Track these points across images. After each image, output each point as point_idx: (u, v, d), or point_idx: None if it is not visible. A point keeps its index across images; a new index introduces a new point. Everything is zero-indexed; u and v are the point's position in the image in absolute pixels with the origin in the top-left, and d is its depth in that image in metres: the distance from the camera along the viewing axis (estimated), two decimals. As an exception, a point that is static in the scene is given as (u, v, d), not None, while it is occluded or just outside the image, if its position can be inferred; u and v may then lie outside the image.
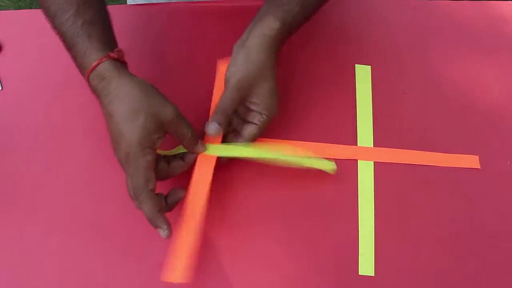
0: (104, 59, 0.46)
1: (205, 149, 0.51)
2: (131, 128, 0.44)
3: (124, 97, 0.45)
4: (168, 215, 0.47)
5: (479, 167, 0.57)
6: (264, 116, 0.51)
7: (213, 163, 0.51)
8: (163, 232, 0.45)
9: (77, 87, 0.61)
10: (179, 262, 0.46)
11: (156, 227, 0.45)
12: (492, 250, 0.53)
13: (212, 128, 0.49)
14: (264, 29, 0.50)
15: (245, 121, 0.52)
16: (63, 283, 0.50)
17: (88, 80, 0.47)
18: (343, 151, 0.58)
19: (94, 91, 0.47)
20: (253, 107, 0.51)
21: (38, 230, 0.53)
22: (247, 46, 0.50)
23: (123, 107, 0.44)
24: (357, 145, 0.59)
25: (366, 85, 0.63)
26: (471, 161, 0.58)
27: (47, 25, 0.51)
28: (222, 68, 0.56)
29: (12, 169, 0.56)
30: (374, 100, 0.61)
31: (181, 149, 0.52)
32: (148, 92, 0.46)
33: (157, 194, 0.46)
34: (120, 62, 0.48)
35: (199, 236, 0.48)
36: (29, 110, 0.60)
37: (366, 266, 0.51)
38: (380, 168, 0.57)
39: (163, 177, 0.49)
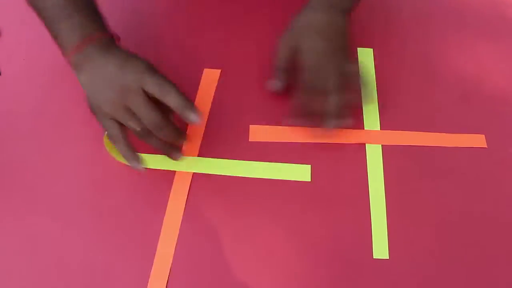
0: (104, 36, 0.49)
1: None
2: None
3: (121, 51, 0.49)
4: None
5: (486, 146, 0.56)
6: (306, 73, 0.52)
7: (188, 181, 0.53)
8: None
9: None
10: (159, 276, 0.47)
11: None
12: (506, 230, 0.51)
13: (270, 84, 0.56)
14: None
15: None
16: (62, 271, 0.48)
17: (83, 44, 0.48)
18: (350, 136, 0.57)
19: (86, 53, 0.48)
20: (300, 65, 0.53)
21: (37, 217, 0.50)
22: (305, 7, 0.55)
23: (122, 55, 0.48)
24: (364, 129, 0.57)
25: (370, 67, 0.61)
26: (477, 141, 0.57)
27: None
28: (207, 76, 0.60)
29: (10, 155, 0.54)
30: (378, 84, 0.60)
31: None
32: None
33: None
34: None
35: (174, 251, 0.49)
36: (28, 95, 0.59)
37: (380, 249, 0.49)
38: (388, 151, 0.56)
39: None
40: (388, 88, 0.60)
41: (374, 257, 0.49)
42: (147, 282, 0.47)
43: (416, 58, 0.63)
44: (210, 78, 0.60)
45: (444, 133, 0.57)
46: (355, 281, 0.48)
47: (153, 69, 0.47)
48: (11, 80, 0.60)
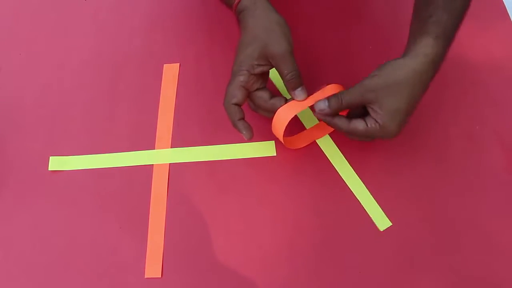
0: None
1: (303, 97, 0.52)
2: (240, 53, 0.52)
3: (250, 29, 0.52)
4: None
5: None
6: (377, 126, 0.49)
7: (166, 171, 0.58)
8: (244, 136, 0.53)
9: (74, 66, 0.64)
10: (154, 260, 0.53)
11: (238, 131, 0.53)
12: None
13: (321, 105, 0.52)
14: (421, 47, 0.48)
15: (360, 116, 0.51)
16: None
17: (235, 12, 0.54)
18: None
19: (238, 21, 0.55)
20: (372, 114, 0.50)
21: (40, 212, 0.55)
22: (399, 62, 0.49)
23: (245, 37, 0.52)
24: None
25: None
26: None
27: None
28: (167, 70, 0.64)
29: (12, 152, 0.59)
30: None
31: None
32: (270, 26, 0.51)
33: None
34: None
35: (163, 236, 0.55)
36: (26, 90, 0.63)
37: (382, 221, 0.53)
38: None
39: (255, 107, 0.56)
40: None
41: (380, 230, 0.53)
42: (145, 265, 0.53)
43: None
44: (170, 72, 0.64)
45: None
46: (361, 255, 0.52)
47: (233, 73, 0.52)
48: (8, 74, 0.63)
